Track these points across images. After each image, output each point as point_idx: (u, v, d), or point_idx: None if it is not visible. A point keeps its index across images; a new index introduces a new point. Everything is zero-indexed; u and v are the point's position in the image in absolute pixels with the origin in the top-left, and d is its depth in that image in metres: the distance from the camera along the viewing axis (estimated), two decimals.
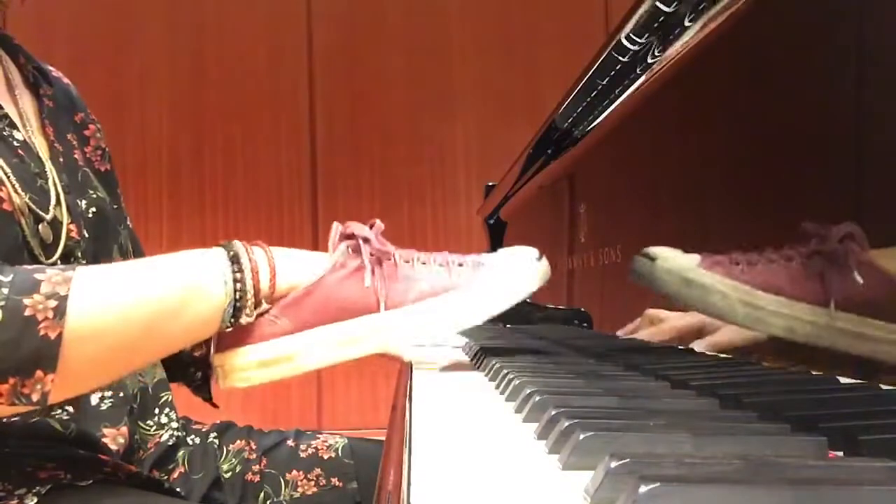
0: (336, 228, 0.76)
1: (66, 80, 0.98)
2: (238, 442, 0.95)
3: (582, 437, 0.40)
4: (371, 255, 0.73)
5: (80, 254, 0.80)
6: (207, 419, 1.00)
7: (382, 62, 2.98)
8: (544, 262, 0.81)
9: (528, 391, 0.57)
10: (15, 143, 0.79)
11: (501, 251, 0.83)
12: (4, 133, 0.79)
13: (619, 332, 0.87)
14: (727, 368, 0.61)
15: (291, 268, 0.72)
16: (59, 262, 0.77)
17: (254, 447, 0.95)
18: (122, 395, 0.84)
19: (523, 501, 0.36)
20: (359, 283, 0.73)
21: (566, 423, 0.44)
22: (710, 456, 0.38)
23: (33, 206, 0.75)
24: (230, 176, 2.94)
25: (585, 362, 0.86)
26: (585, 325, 1.05)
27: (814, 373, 0.50)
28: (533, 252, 0.82)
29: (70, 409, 0.76)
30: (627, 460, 0.33)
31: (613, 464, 0.33)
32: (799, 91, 0.53)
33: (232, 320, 0.69)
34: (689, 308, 0.63)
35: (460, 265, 0.78)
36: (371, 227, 0.75)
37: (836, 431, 0.42)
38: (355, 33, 2.99)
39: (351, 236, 0.74)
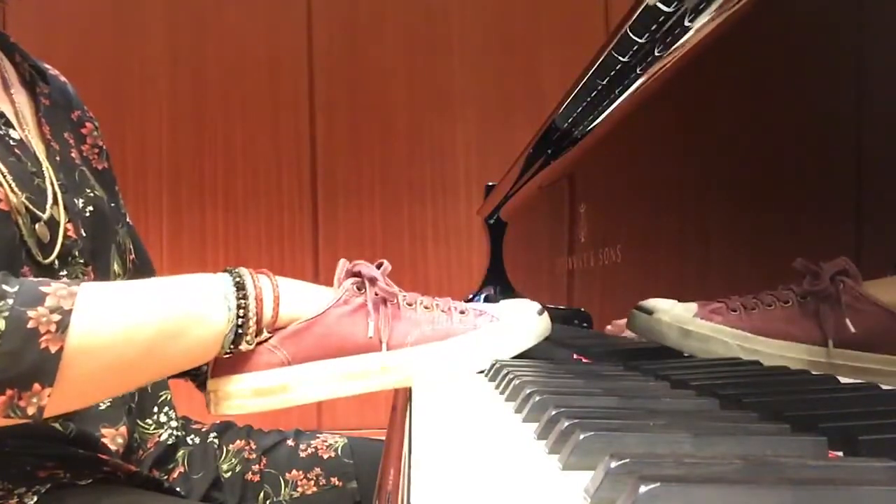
0: (342, 265, 0.76)
1: (62, 79, 0.98)
2: (238, 442, 0.95)
3: (582, 437, 0.40)
4: (376, 294, 0.74)
5: (77, 253, 0.80)
6: (207, 419, 1.00)
7: (382, 62, 2.98)
8: (545, 317, 0.82)
9: (528, 391, 0.57)
10: (11, 142, 0.79)
11: (504, 302, 0.84)
12: (0, 132, 0.79)
13: (610, 328, 0.87)
14: (727, 368, 0.61)
15: (295, 299, 0.72)
16: (56, 262, 0.77)
17: (253, 447, 0.95)
18: (120, 395, 0.83)
19: (523, 501, 0.36)
20: (361, 321, 0.73)
21: (566, 423, 0.44)
22: (710, 456, 0.38)
23: (30, 206, 0.75)
24: (230, 176, 2.94)
25: (585, 362, 0.86)
26: (585, 325, 1.05)
27: (814, 373, 0.50)
28: (535, 307, 0.82)
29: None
30: (627, 460, 0.33)
31: (613, 464, 0.33)
32: (799, 91, 0.53)
33: (232, 346, 0.69)
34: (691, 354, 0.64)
35: (462, 312, 0.78)
36: (378, 266, 0.75)
37: (836, 431, 0.42)
38: (355, 33, 2.99)
39: (358, 274, 0.75)
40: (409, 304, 0.76)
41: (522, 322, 0.80)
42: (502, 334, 0.79)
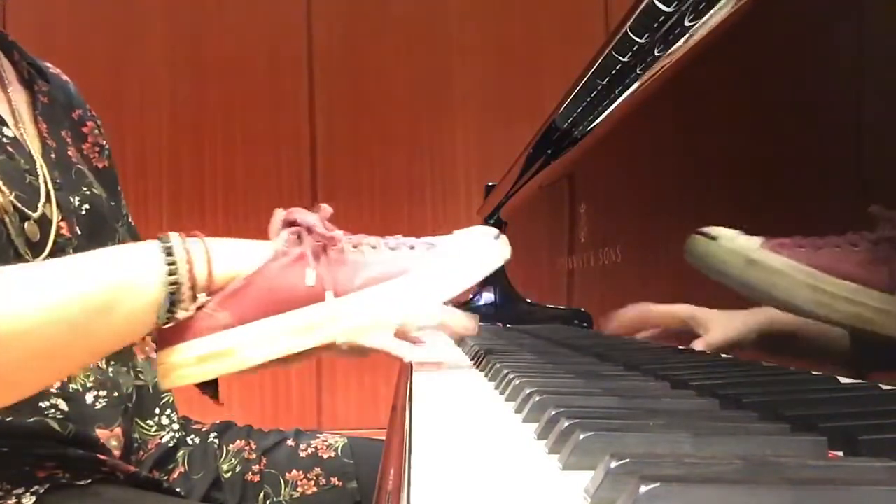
0: (277, 215, 0.72)
1: (64, 77, 0.98)
2: (238, 442, 0.95)
3: (582, 437, 0.40)
4: (316, 241, 0.70)
5: (71, 251, 0.79)
6: (207, 419, 1.00)
7: (382, 62, 2.98)
8: (503, 240, 0.78)
9: (528, 391, 0.57)
10: (4, 140, 0.78)
11: (457, 232, 0.80)
12: None
13: (612, 325, 0.87)
14: (727, 368, 0.61)
15: (230, 257, 0.69)
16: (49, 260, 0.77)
17: (253, 447, 0.95)
18: (116, 394, 0.83)
19: (523, 501, 0.36)
20: (302, 271, 0.69)
21: (566, 423, 0.44)
22: (710, 456, 0.38)
23: (19, 205, 0.74)
24: (230, 176, 2.94)
25: (585, 362, 0.86)
26: (585, 325, 1.05)
27: (814, 373, 0.50)
28: (490, 231, 0.79)
29: (65, 407, 0.76)
30: (627, 460, 0.33)
31: (613, 464, 0.33)
32: (800, 91, 0.53)
33: (169, 315, 0.65)
34: (748, 292, 0.59)
35: (412, 248, 0.75)
36: (317, 211, 0.72)
37: (836, 431, 0.42)
38: (355, 33, 2.99)
39: (294, 223, 0.71)
40: (355, 247, 0.73)
41: (476, 251, 0.76)
42: (454, 268, 0.75)
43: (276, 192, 2.95)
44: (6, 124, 0.80)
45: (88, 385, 0.80)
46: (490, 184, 1.88)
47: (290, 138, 2.96)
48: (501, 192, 1.69)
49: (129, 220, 0.98)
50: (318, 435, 0.98)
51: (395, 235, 0.77)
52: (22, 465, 0.71)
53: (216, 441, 0.95)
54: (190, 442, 0.94)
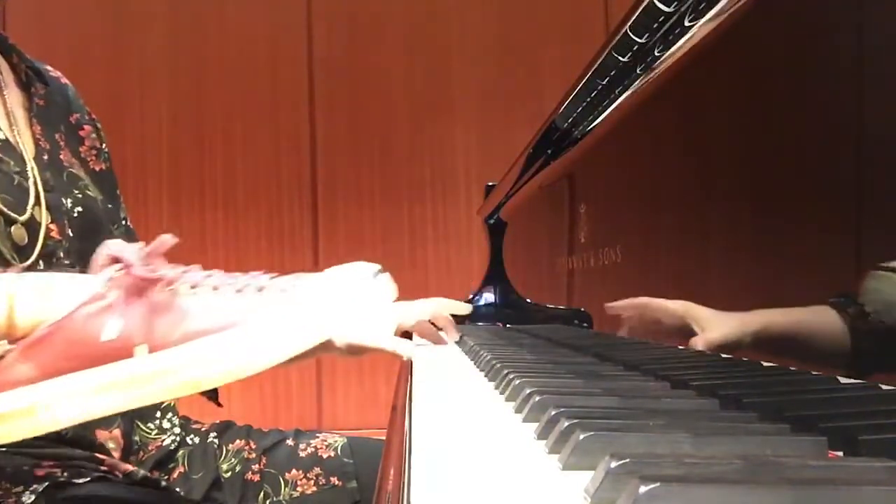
0: (102, 249, 0.63)
1: (64, 80, 0.98)
2: (238, 441, 0.95)
3: (582, 437, 0.40)
4: (134, 283, 0.60)
5: (62, 254, 0.79)
6: (207, 419, 1.00)
7: (382, 62, 2.98)
8: (384, 278, 0.69)
9: (528, 391, 0.57)
10: None
11: (333, 269, 0.70)
12: None
13: (612, 316, 0.87)
14: (727, 368, 0.61)
15: (41, 299, 0.60)
16: (39, 262, 0.76)
17: (253, 447, 0.95)
18: None
19: (523, 501, 0.36)
20: (105, 322, 0.59)
21: (566, 424, 0.44)
22: (710, 456, 0.38)
23: (5, 209, 0.75)
24: (230, 176, 2.94)
25: (585, 362, 0.86)
26: (585, 325, 1.05)
27: (814, 373, 0.50)
28: (370, 269, 0.69)
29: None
30: (627, 460, 0.33)
31: (613, 464, 0.33)
32: (801, 91, 0.53)
33: None
34: None
35: (260, 290, 0.64)
36: (148, 245, 0.64)
37: (836, 431, 0.42)
38: (355, 33, 2.98)
39: (116, 260, 0.62)
40: (193, 287, 0.62)
41: (337, 300, 0.66)
42: (298, 322, 0.64)
43: (276, 192, 2.95)
44: None
45: None
46: (490, 184, 1.88)
47: (290, 138, 2.96)
48: (501, 192, 1.69)
49: (128, 223, 0.98)
50: (317, 434, 0.98)
51: (254, 273, 0.67)
52: (20, 464, 0.71)
53: (216, 441, 0.95)
54: (190, 442, 0.94)
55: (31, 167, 0.80)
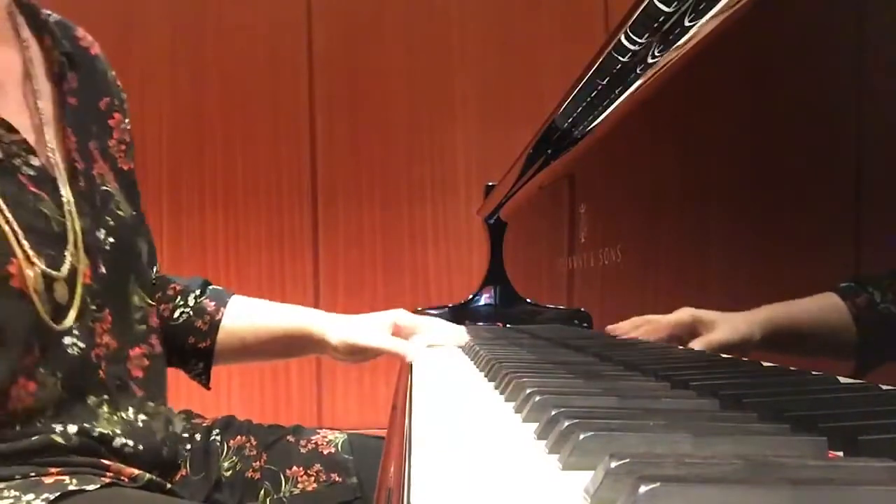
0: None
1: (93, 51, 0.92)
2: (238, 438, 0.95)
3: (582, 437, 0.40)
4: None
5: (90, 299, 0.76)
6: (208, 413, 1.00)
7: (382, 62, 2.98)
8: None
9: (528, 391, 0.57)
10: (31, 173, 0.75)
11: None
12: (17, 163, 0.74)
13: (611, 329, 0.87)
14: (727, 368, 0.61)
15: None
16: (74, 327, 0.74)
17: (254, 443, 0.94)
18: (145, 445, 0.81)
19: (523, 501, 0.36)
20: None
21: (566, 423, 0.44)
22: (710, 456, 0.38)
23: (48, 270, 0.71)
24: (230, 176, 2.94)
25: (585, 362, 0.86)
26: (585, 325, 1.05)
27: (814, 373, 0.50)
28: None
29: (73, 430, 0.75)
30: (627, 460, 0.33)
31: (613, 464, 0.33)
32: (800, 91, 0.53)
33: None
34: None
35: None
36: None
37: (836, 431, 0.42)
38: (355, 33, 2.98)
39: None
40: None
41: None
42: None
43: (276, 192, 2.95)
44: (33, 152, 0.76)
45: (117, 431, 0.79)
46: (490, 184, 1.88)
47: (290, 138, 2.96)
48: (501, 193, 1.69)
49: (146, 222, 0.95)
50: (317, 431, 0.98)
51: None
52: (27, 472, 0.70)
53: (218, 439, 0.94)
54: (193, 440, 0.93)
55: (68, 200, 0.75)
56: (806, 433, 0.43)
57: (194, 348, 0.98)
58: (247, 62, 2.95)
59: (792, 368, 0.52)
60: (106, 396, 0.79)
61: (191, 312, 0.99)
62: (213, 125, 2.94)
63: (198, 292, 1.00)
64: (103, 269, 0.79)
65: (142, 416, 0.83)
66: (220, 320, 0.99)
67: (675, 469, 0.34)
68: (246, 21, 2.96)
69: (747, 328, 0.57)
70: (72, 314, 0.74)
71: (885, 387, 0.42)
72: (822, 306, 0.47)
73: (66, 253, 0.74)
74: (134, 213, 0.89)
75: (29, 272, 0.70)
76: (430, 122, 2.97)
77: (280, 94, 2.96)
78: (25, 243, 0.71)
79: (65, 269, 0.73)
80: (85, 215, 0.78)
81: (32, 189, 0.75)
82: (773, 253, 0.56)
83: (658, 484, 0.29)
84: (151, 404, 0.84)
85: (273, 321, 1.03)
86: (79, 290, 0.74)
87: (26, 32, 0.82)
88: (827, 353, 0.49)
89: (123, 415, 0.80)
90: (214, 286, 1.03)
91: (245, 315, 1.01)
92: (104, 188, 0.84)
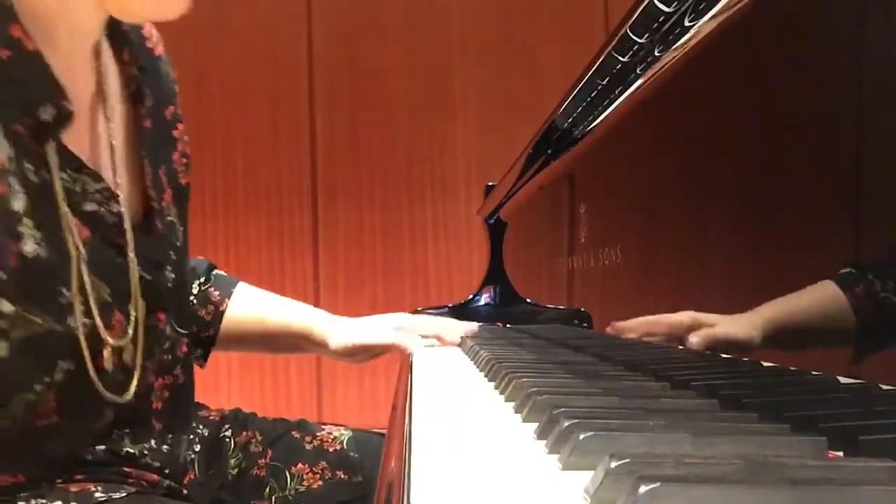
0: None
1: (157, 51, 0.84)
2: (244, 434, 0.94)
3: (582, 437, 0.40)
4: None
5: (156, 342, 0.73)
6: (215, 405, 1.00)
7: (382, 62, 2.98)
8: None
9: (528, 391, 0.57)
10: (112, 220, 0.68)
11: None
12: (102, 211, 0.67)
13: (611, 330, 0.87)
14: (727, 368, 0.61)
15: None
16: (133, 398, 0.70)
17: (259, 438, 0.94)
18: (170, 469, 0.79)
19: (523, 501, 0.36)
20: None
21: (566, 423, 0.44)
22: (710, 456, 0.38)
23: (109, 340, 0.65)
24: (230, 176, 2.94)
25: (585, 362, 0.86)
26: (585, 325, 1.05)
27: (814, 373, 0.50)
28: None
29: (102, 451, 0.73)
30: (627, 460, 0.33)
31: (613, 464, 0.33)
32: (800, 91, 0.53)
33: None
34: None
35: None
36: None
37: (836, 431, 0.42)
38: (355, 33, 2.98)
39: None
40: None
41: None
42: None
43: (276, 192, 2.95)
44: (115, 197, 0.68)
45: (145, 453, 0.76)
46: (490, 184, 1.88)
47: (290, 138, 2.96)
48: (501, 192, 1.69)
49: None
50: (322, 427, 0.97)
51: None
52: (53, 478, 0.69)
53: (228, 433, 0.93)
54: (200, 434, 0.92)
55: (133, 247, 0.68)
56: (806, 433, 0.43)
57: (196, 336, 0.97)
58: (247, 62, 2.95)
59: (792, 368, 0.52)
60: (127, 430, 0.75)
61: (195, 301, 0.99)
62: (212, 125, 2.94)
63: (203, 279, 1.00)
64: (167, 310, 0.75)
65: (164, 447, 0.79)
66: (223, 311, 0.99)
67: (675, 469, 0.34)
68: (246, 21, 2.96)
69: (755, 327, 0.57)
70: (132, 388, 0.70)
71: (885, 387, 0.42)
72: (823, 306, 0.47)
73: (130, 319, 0.68)
74: (182, 228, 0.84)
75: (109, 365, 0.66)
76: (430, 122, 2.97)
77: (280, 94, 2.96)
78: (100, 324, 0.65)
79: (125, 339, 0.68)
80: (148, 258, 0.72)
81: (109, 241, 0.69)
82: (773, 253, 0.56)
83: (658, 484, 0.29)
84: (171, 436, 0.80)
85: (276, 318, 1.03)
86: (139, 360, 0.70)
87: (107, 53, 0.74)
88: (828, 352, 0.49)
89: (145, 444, 0.77)
90: (219, 272, 1.04)
91: (249, 308, 1.01)
92: (169, 218, 0.79)
